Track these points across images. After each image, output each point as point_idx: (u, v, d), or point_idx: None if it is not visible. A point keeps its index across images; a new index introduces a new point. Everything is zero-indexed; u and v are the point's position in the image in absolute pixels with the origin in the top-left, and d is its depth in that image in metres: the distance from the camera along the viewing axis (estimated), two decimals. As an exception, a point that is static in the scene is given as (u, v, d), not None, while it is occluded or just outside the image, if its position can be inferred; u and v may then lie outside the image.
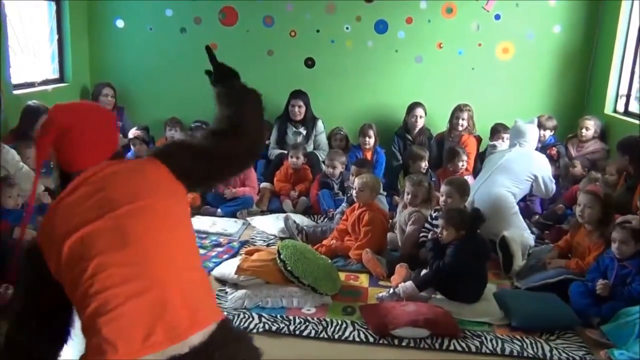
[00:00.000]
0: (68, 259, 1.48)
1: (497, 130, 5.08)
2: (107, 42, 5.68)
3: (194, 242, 1.66)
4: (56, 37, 5.25)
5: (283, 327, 2.89)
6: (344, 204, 4.30)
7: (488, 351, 2.77)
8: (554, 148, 4.79)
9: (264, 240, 4.09)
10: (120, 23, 5.64)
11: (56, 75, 5.32)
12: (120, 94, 5.47)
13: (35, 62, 5.03)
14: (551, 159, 4.65)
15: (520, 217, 4.01)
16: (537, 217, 4.39)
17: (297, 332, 2.86)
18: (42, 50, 5.18)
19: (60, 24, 5.28)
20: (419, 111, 5.19)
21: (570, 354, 2.75)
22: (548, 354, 2.75)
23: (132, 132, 5.16)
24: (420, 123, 5.22)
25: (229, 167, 1.81)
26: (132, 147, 4.87)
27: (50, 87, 5.05)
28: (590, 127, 4.80)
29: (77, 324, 1.54)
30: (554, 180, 4.33)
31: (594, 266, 3.19)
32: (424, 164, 4.77)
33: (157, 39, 5.62)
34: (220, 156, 1.73)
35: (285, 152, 5.06)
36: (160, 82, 5.57)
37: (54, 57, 5.30)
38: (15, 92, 4.55)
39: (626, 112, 4.94)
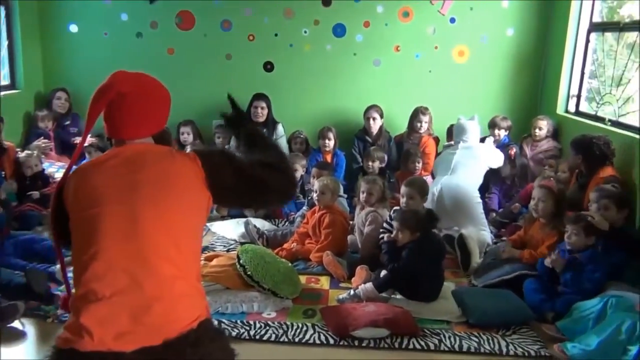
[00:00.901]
0: (79, 226, 1.57)
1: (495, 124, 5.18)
2: (61, 48, 5.57)
3: (197, 248, 1.69)
4: (6, 42, 5.13)
5: (243, 333, 2.88)
6: (304, 207, 4.31)
7: (446, 348, 2.82)
8: (512, 147, 4.91)
9: (224, 246, 4.06)
10: (74, 28, 5.53)
11: (7, 82, 5.19)
12: (75, 100, 5.38)
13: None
14: (509, 158, 4.77)
15: (482, 208, 4.17)
16: (494, 215, 4.50)
17: (258, 337, 2.86)
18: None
19: (11, 29, 5.16)
20: (374, 113, 5.25)
21: (526, 349, 2.82)
22: (504, 349, 2.81)
23: (87, 140, 5.06)
24: (375, 125, 5.26)
25: (262, 196, 1.82)
26: (87, 154, 4.77)
27: (1, 93, 4.91)
28: (543, 126, 4.93)
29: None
30: (501, 154, 4.62)
31: (540, 265, 3.28)
32: (377, 164, 4.83)
33: (113, 44, 5.53)
34: (259, 182, 1.75)
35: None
36: None
37: (4, 63, 5.16)
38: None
39: (577, 112, 5.09)
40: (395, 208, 3.70)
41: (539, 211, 3.53)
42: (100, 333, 1.42)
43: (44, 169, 4.54)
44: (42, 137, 4.95)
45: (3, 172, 4.15)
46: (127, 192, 1.56)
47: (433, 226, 3.37)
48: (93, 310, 1.45)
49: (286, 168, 1.84)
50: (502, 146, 4.91)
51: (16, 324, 2.92)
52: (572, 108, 5.19)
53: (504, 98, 5.63)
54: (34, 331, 2.92)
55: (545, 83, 5.52)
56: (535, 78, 5.58)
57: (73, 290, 1.56)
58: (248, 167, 1.75)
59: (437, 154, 5.23)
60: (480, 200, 4.22)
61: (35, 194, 4.29)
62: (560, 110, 5.24)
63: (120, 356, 1.42)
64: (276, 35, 5.53)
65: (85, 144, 4.90)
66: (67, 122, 5.31)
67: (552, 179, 3.84)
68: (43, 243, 3.62)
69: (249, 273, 3.17)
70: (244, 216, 4.44)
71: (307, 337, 2.88)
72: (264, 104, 5.23)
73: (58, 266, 3.41)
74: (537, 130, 4.94)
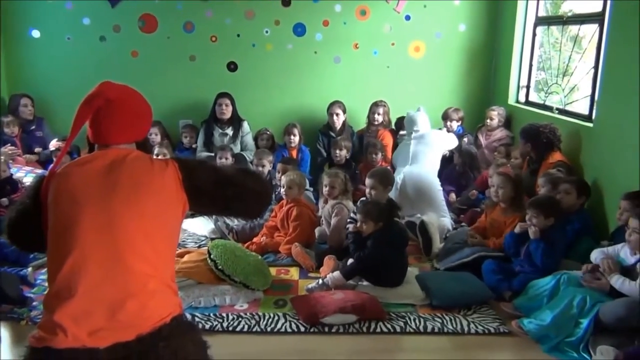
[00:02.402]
0: (56, 224, 1.60)
1: (447, 116, 5.38)
2: (23, 53, 5.52)
3: (172, 248, 1.74)
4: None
5: (217, 325, 2.95)
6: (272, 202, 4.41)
7: (412, 330, 2.95)
8: (468, 137, 5.13)
9: (195, 242, 4.13)
10: (35, 33, 5.50)
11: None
12: (39, 105, 5.35)
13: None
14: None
15: (442, 195, 4.37)
16: (453, 202, 4.68)
17: (231, 329, 2.93)
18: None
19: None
20: (337, 109, 5.40)
21: (486, 327, 2.98)
22: (466, 328, 2.97)
23: (53, 144, 5.05)
24: (339, 120, 5.41)
25: (238, 202, 1.84)
26: (54, 158, 4.76)
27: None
28: (494, 116, 5.16)
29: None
30: (454, 136, 4.89)
31: (507, 239, 3.45)
32: (344, 153, 4.98)
33: (76, 48, 5.52)
34: (237, 185, 1.81)
35: (213, 154, 5.11)
36: (80, 91, 5.30)
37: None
38: None
39: (527, 102, 5.34)
40: (362, 199, 3.83)
41: (499, 197, 3.71)
42: (74, 329, 1.45)
43: (12, 174, 4.50)
44: (9, 144, 4.91)
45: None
46: (105, 193, 1.60)
47: (394, 215, 3.51)
48: (67, 307, 1.48)
49: (261, 178, 1.96)
50: (456, 136, 5.12)
51: (-11, 327, 2.93)
52: (522, 98, 5.44)
53: (458, 90, 5.85)
54: (8, 334, 2.93)
55: (496, 75, 5.76)
56: (487, 71, 5.82)
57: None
58: (228, 174, 1.83)
59: (395, 145, 5.42)
60: (440, 188, 4.40)
61: (4, 200, 4.26)
62: (511, 100, 5.48)
63: (94, 352, 1.46)
64: (238, 35, 5.61)
65: (52, 148, 4.90)
66: (32, 127, 5.27)
67: (508, 166, 4.03)
68: (13, 247, 3.62)
69: (220, 267, 3.25)
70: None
71: (279, 326, 2.97)
72: (228, 101, 5.31)
73: (30, 269, 3.44)
74: (489, 120, 5.16)
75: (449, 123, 5.30)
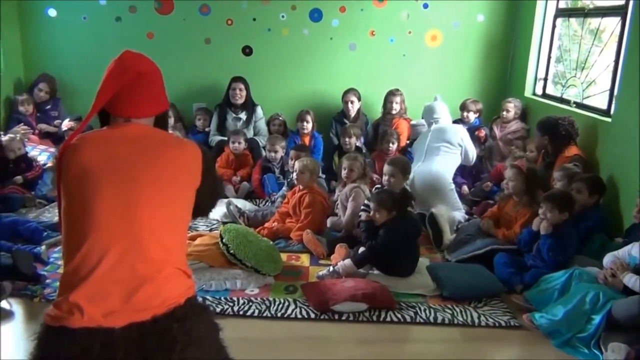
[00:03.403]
0: (74, 201, 1.57)
1: (465, 107, 5.30)
2: (40, 32, 5.53)
3: (185, 233, 1.75)
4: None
5: (227, 309, 2.97)
6: (284, 188, 4.42)
7: (422, 320, 2.95)
8: (482, 130, 5.08)
9: (207, 226, 4.14)
10: (52, 12, 5.48)
11: (-14, 67, 5.15)
12: (55, 84, 5.38)
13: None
14: (479, 140, 4.93)
15: (456, 194, 4.30)
16: (465, 194, 4.65)
17: (241, 313, 2.95)
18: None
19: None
20: (351, 97, 5.36)
21: (497, 319, 2.97)
22: (477, 320, 2.96)
23: (66, 124, 5.07)
24: (353, 108, 5.38)
25: (204, 205, 1.87)
26: (66, 137, 4.77)
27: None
28: (511, 109, 5.10)
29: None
30: (474, 148, 4.64)
31: (524, 234, 3.43)
32: (354, 140, 4.95)
33: (92, 28, 5.51)
34: (214, 199, 1.89)
35: (226, 138, 5.11)
36: (95, 72, 5.36)
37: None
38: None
39: (544, 95, 5.28)
40: (376, 187, 3.82)
41: (510, 190, 3.70)
42: (90, 310, 1.45)
43: (27, 152, 4.54)
44: (22, 123, 4.93)
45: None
46: (125, 173, 1.57)
47: (408, 205, 3.50)
48: (83, 287, 1.48)
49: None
50: (472, 128, 5.08)
51: (3, 304, 2.96)
52: (539, 91, 5.38)
53: (474, 81, 5.79)
54: (22, 311, 2.97)
55: (513, 67, 5.70)
56: (504, 62, 5.75)
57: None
58: (218, 186, 1.90)
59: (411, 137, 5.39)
60: (453, 187, 4.31)
61: (19, 178, 4.30)
62: (528, 93, 5.43)
63: (110, 332, 1.46)
64: (254, 19, 5.57)
65: (65, 128, 4.93)
66: (48, 107, 5.29)
67: (523, 159, 4.00)
68: (27, 225, 3.66)
69: (231, 251, 3.26)
70: (226, 196, 4.52)
71: (289, 312, 2.99)
72: (242, 86, 5.29)
73: (43, 247, 3.47)
74: (505, 112, 5.11)
75: (465, 114, 5.24)
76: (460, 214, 4.18)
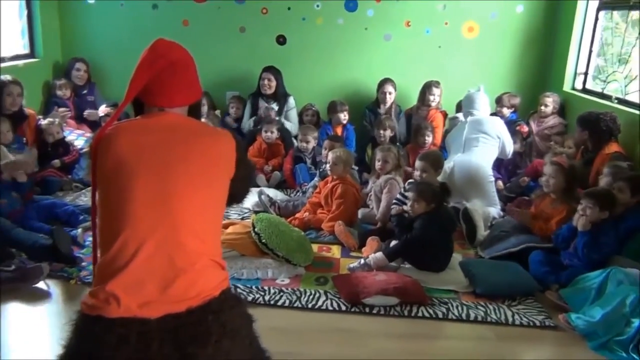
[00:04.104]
0: (110, 190, 1.57)
1: (501, 101, 5.22)
2: (78, 18, 5.59)
3: (220, 224, 1.73)
4: (25, 12, 5.16)
5: (258, 298, 2.99)
6: (316, 178, 4.41)
7: (454, 317, 2.92)
8: (523, 125, 4.98)
9: (239, 214, 4.16)
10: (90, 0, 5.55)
11: (27, 51, 5.25)
12: (92, 70, 5.45)
13: (4, 37, 4.95)
14: (520, 135, 4.84)
15: (494, 187, 4.23)
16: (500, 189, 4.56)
17: (272, 302, 2.96)
18: (12, 26, 5.09)
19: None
20: (389, 87, 5.31)
21: (531, 318, 2.92)
22: (510, 319, 2.91)
23: (102, 110, 5.13)
24: (390, 99, 5.33)
25: (239, 193, 1.86)
26: (102, 124, 4.83)
27: (21, 62, 5.00)
28: (549, 103, 4.98)
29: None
30: (512, 141, 4.54)
31: (563, 230, 3.35)
32: (388, 133, 4.90)
33: (129, 15, 5.55)
34: (245, 184, 1.85)
35: (259, 127, 5.11)
36: (131, 59, 5.42)
37: (24, 33, 5.21)
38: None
39: (584, 90, 5.14)
40: (409, 180, 3.78)
41: (550, 187, 3.61)
42: (126, 300, 1.46)
43: (64, 137, 4.62)
44: (59, 107, 5.01)
45: (25, 139, 4.24)
46: (164, 162, 1.57)
47: (446, 199, 3.46)
48: (119, 277, 1.48)
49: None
50: (509, 123, 4.99)
51: (41, 284, 3.03)
52: (579, 85, 5.24)
53: (511, 74, 5.67)
54: (58, 292, 3.03)
55: (553, 60, 5.56)
56: (543, 55, 5.61)
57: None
58: (252, 177, 1.87)
59: (445, 130, 5.31)
60: (492, 179, 4.24)
61: (57, 162, 4.38)
62: (567, 87, 5.29)
63: (145, 322, 1.46)
64: (289, 8, 5.54)
65: (101, 114, 5.00)
66: (85, 91, 5.37)
67: (563, 155, 3.90)
68: (64, 208, 3.73)
69: (263, 241, 3.27)
70: (257, 186, 4.53)
71: (319, 303, 2.99)
72: (271, 76, 5.27)
73: (80, 230, 3.53)
74: (543, 107, 4.99)
75: (498, 108, 5.14)
76: (495, 210, 4.11)
